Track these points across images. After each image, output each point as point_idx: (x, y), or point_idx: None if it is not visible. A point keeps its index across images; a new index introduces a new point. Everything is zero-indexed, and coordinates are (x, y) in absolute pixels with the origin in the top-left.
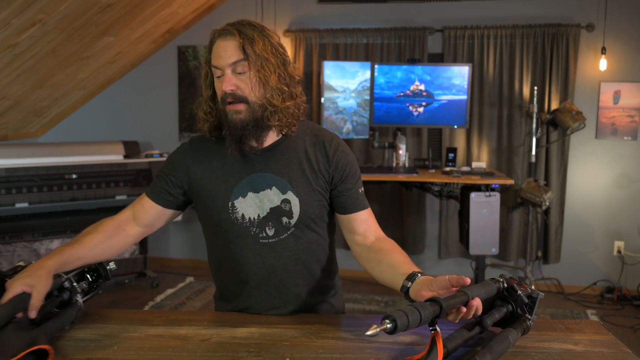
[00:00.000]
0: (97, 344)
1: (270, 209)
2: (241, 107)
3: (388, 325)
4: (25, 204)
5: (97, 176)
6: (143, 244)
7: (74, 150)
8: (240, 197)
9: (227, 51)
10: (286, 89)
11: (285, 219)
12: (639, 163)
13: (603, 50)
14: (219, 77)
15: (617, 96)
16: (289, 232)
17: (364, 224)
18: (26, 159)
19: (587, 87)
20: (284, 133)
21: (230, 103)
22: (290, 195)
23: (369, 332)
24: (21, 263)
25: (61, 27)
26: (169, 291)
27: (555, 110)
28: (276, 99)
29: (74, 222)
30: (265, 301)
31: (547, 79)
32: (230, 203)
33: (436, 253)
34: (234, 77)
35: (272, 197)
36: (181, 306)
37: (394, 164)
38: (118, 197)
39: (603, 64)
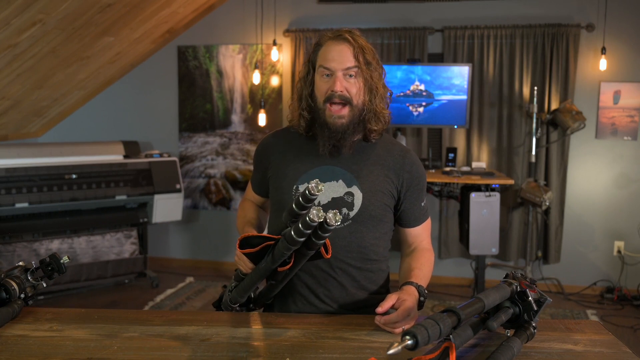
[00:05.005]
0: (97, 344)
1: (332, 198)
2: (345, 111)
3: (409, 342)
4: (25, 204)
5: (97, 176)
6: (143, 244)
7: (74, 150)
8: (305, 184)
9: (342, 56)
10: (388, 97)
11: (345, 210)
12: (639, 163)
13: (603, 50)
14: (326, 76)
15: (617, 96)
16: (345, 224)
17: (416, 238)
18: (26, 159)
19: (587, 87)
20: (367, 139)
21: (335, 103)
22: (354, 189)
23: (390, 351)
24: (21, 263)
25: (61, 27)
26: (169, 291)
27: (555, 110)
28: (379, 105)
29: (74, 222)
30: (313, 285)
31: (547, 79)
32: (294, 187)
33: (436, 253)
34: (345, 80)
35: (336, 189)
36: (181, 306)
37: None
38: (118, 197)
39: (603, 64)
